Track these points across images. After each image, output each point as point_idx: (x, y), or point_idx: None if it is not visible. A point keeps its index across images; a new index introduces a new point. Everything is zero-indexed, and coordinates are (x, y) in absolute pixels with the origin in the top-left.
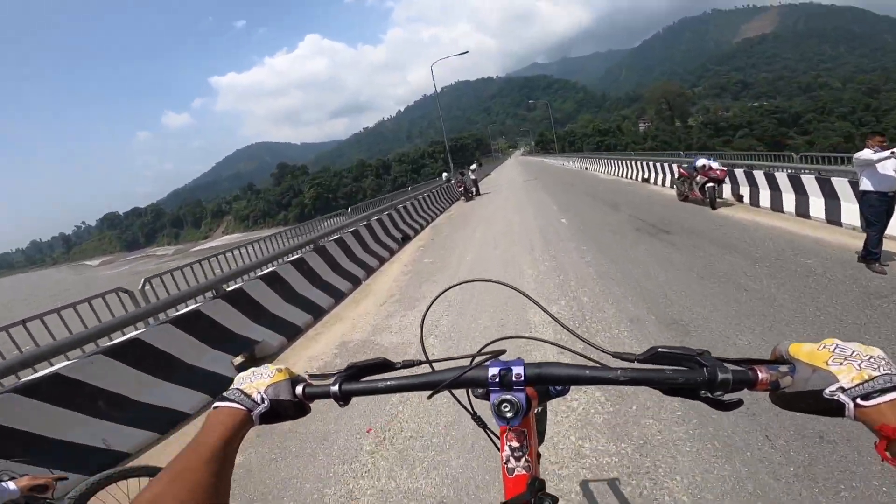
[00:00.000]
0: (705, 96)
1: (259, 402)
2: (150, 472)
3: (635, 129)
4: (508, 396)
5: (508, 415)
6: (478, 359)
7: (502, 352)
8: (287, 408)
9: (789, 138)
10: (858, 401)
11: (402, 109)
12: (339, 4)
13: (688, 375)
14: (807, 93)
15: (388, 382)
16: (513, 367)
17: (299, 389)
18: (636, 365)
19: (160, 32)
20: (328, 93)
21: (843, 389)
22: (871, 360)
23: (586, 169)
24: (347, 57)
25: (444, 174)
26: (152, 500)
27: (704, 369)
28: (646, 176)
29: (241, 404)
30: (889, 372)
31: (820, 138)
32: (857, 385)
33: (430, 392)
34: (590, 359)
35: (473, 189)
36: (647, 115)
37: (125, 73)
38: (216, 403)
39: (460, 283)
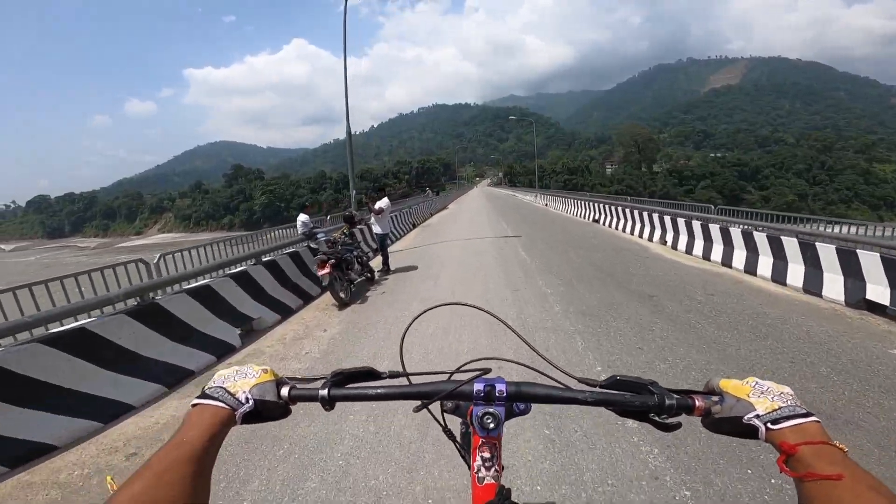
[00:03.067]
0: (669, 143)
1: (244, 401)
2: None
3: (602, 171)
4: (492, 410)
5: (491, 426)
6: (457, 375)
7: (489, 370)
8: (271, 409)
9: (747, 192)
10: (769, 425)
11: (374, 125)
12: (331, 12)
13: (642, 400)
14: (762, 147)
15: (379, 391)
16: (496, 384)
17: (285, 391)
18: (598, 389)
19: (145, 15)
20: (303, 99)
21: (758, 416)
22: (782, 395)
23: (596, 222)
24: (329, 65)
25: (301, 218)
26: (132, 499)
27: (655, 396)
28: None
29: (226, 403)
30: (793, 405)
31: (775, 195)
32: (769, 413)
33: (419, 403)
34: (559, 381)
35: (368, 268)
36: (615, 156)
37: (97, 50)
38: (197, 400)
39: (441, 305)
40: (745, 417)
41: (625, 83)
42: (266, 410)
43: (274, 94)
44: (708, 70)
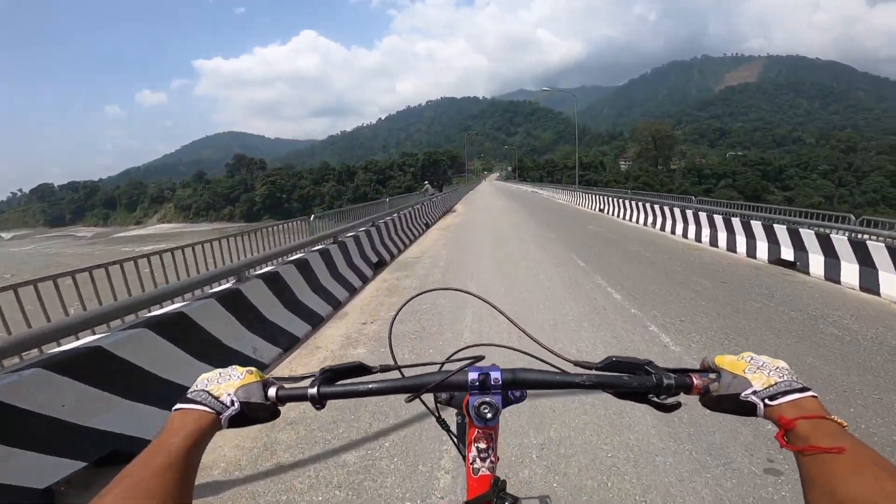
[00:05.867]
0: (683, 140)
1: (228, 404)
2: None
3: (616, 167)
4: (489, 399)
5: (489, 415)
6: (454, 365)
7: (481, 357)
8: (258, 411)
9: (769, 193)
10: (766, 401)
11: (382, 118)
12: (340, 4)
13: (640, 381)
14: (780, 146)
15: (370, 385)
16: (491, 372)
17: (272, 392)
18: (595, 372)
19: (156, 8)
20: (313, 91)
21: (755, 392)
22: (777, 369)
23: (790, 264)
24: (339, 57)
25: None
26: None
27: (653, 376)
28: None
29: (209, 407)
30: (790, 379)
31: (800, 196)
32: (766, 388)
33: (409, 395)
34: (554, 366)
35: None
36: (628, 153)
37: (109, 42)
38: (178, 405)
39: (428, 291)
40: (743, 394)
41: (637, 79)
42: (252, 412)
43: (284, 86)
44: (724, 68)
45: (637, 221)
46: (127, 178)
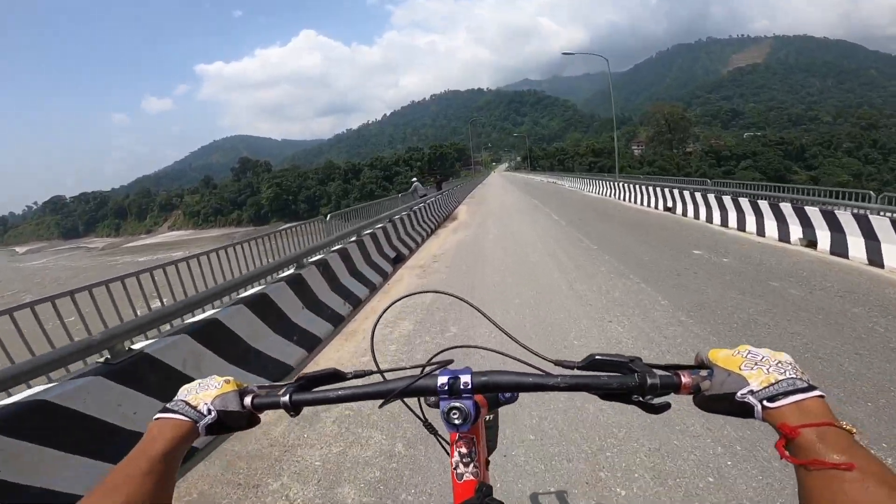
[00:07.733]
0: (696, 123)
1: (205, 413)
2: None
3: (629, 152)
4: (457, 404)
5: (457, 421)
6: (428, 368)
7: (450, 361)
8: (236, 419)
9: (793, 173)
10: (765, 402)
11: (387, 114)
12: (338, 1)
13: (621, 381)
14: (797, 125)
15: (339, 392)
16: (460, 376)
17: (248, 400)
18: (576, 372)
19: (155, 15)
20: (317, 90)
21: (752, 392)
22: (779, 364)
23: None
24: (340, 55)
25: None
26: None
27: (636, 375)
28: None
29: (186, 415)
30: (793, 376)
31: (825, 175)
32: (765, 388)
33: (381, 401)
34: (534, 366)
35: None
36: (640, 137)
37: (112, 51)
38: (158, 415)
39: (411, 294)
40: (738, 394)
41: (643, 64)
42: (230, 420)
43: (288, 87)
44: (730, 49)
45: (756, 232)
46: (138, 186)
